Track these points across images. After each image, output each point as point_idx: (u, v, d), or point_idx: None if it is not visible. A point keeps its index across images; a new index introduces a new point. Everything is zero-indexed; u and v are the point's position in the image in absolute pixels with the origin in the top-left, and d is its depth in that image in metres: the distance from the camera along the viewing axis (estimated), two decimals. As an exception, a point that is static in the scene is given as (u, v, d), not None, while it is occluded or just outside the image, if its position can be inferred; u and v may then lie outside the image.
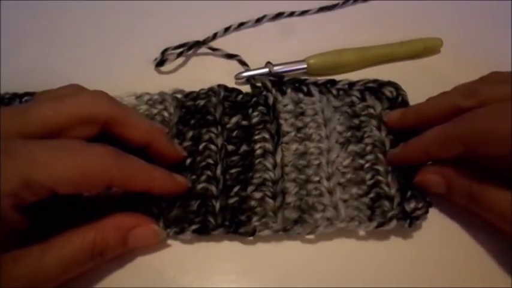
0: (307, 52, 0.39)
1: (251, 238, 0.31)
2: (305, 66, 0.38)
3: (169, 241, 0.31)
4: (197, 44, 0.40)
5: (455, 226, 0.31)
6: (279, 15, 0.43)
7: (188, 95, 0.35)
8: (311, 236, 0.31)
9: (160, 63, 0.39)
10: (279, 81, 0.35)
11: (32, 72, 0.38)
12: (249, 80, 0.37)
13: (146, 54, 0.40)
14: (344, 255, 0.30)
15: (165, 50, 0.39)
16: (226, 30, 0.42)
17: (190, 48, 0.39)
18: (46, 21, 0.45)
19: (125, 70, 0.40)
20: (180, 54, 0.39)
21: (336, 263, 0.30)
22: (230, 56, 0.39)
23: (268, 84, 0.35)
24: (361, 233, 0.31)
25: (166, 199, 0.30)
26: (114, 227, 0.28)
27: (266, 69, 0.37)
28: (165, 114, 0.34)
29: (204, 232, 0.30)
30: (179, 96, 0.35)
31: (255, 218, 0.30)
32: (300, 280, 0.30)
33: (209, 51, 0.40)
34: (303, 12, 0.43)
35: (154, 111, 0.34)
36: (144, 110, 0.34)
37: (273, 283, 0.30)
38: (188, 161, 0.32)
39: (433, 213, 0.31)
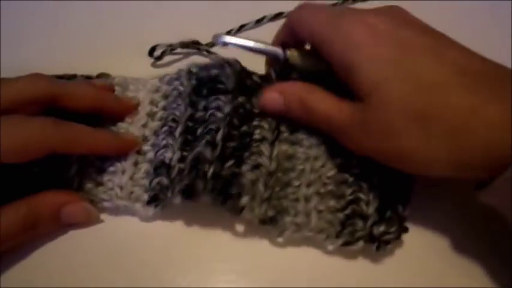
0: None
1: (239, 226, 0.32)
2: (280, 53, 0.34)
3: (170, 241, 0.32)
4: (194, 44, 0.40)
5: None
6: (278, 15, 0.43)
7: (203, 67, 0.35)
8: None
9: (156, 58, 0.39)
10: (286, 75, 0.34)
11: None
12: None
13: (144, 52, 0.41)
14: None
15: (157, 46, 0.40)
16: (228, 33, 0.41)
17: (186, 46, 0.39)
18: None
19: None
20: (172, 50, 0.40)
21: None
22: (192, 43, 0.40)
23: (273, 76, 0.34)
24: (330, 247, 0.30)
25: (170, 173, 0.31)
26: (46, 202, 0.31)
27: (249, 43, 0.34)
28: (180, 88, 0.35)
29: (191, 195, 0.30)
30: (194, 69, 0.35)
31: (245, 197, 0.30)
32: (300, 280, 0.30)
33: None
34: (241, 27, 0.42)
35: (171, 88, 0.35)
36: (164, 90, 0.36)
37: (272, 283, 0.30)
38: (199, 131, 0.32)
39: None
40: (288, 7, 0.42)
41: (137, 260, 0.31)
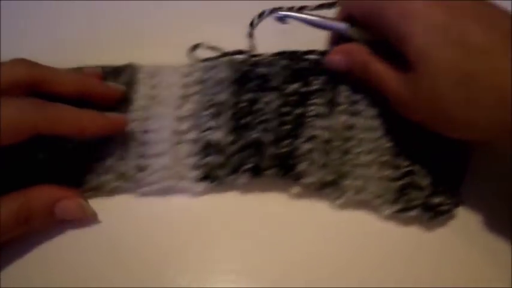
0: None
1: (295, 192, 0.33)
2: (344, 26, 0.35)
3: (170, 241, 0.32)
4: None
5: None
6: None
7: (243, 62, 0.37)
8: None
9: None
10: None
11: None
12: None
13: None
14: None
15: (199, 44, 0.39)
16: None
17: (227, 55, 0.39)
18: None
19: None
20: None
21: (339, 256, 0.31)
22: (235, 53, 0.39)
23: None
24: (386, 212, 0.32)
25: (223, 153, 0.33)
26: (41, 196, 0.31)
27: (309, 17, 0.35)
28: (220, 76, 0.36)
29: (257, 173, 0.32)
30: (233, 62, 0.37)
31: (302, 164, 0.32)
32: (300, 280, 0.31)
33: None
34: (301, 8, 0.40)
35: (209, 75, 0.36)
36: (197, 76, 0.37)
37: (273, 283, 0.30)
38: (244, 120, 0.34)
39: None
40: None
41: (137, 259, 0.31)
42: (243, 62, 0.37)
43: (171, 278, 0.31)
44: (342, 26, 0.34)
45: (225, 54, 0.38)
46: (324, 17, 0.35)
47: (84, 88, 0.34)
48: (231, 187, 0.33)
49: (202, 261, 0.31)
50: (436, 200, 0.31)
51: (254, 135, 0.33)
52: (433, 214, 0.31)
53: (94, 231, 0.32)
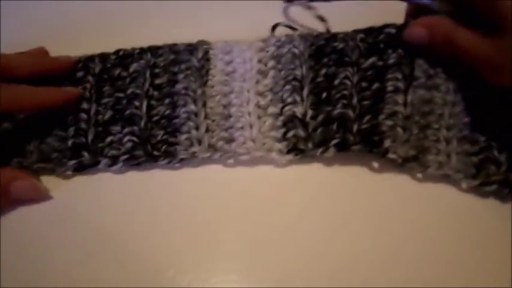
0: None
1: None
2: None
3: (169, 241, 0.32)
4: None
5: None
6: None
7: (317, 36, 0.38)
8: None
9: None
10: None
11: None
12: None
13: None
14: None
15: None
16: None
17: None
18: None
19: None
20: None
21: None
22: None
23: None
24: (466, 185, 0.33)
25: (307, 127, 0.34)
26: None
27: None
28: (295, 50, 0.37)
29: (344, 147, 0.34)
30: (308, 36, 0.38)
31: (387, 141, 0.33)
32: (300, 280, 0.31)
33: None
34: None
35: (284, 50, 0.37)
36: (272, 50, 0.38)
37: (273, 283, 0.31)
38: (324, 94, 0.35)
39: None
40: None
41: (137, 259, 0.32)
42: (317, 36, 0.37)
43: (171, 278, 0.31)
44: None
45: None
46: None
47: (38, 68, 0.37)
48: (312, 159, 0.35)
49: (202, 261, 0.31)
50: None
51: (338, 110, 0.34)
52: (510, 190, 0.32)
53: (95, 230, 0.33)
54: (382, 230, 0.32)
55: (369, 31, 0.37)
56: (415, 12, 0.36)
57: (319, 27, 0.39)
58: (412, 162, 0.33)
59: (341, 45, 0.36)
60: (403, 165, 0.33)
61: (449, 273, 0.30)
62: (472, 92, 0.34)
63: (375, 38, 0.36)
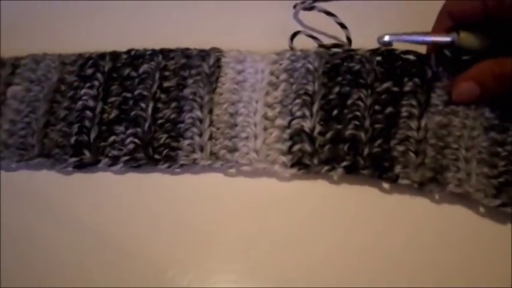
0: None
1: (387, 186, 0.33)
2: (450, 39, 0.35)
3: (170, 241, 0.32)
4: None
5: None
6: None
7: (333, 55, 0.37)
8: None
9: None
10: (451, 57, 0.35)
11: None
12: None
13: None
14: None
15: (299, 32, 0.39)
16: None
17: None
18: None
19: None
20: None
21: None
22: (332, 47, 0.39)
23: (433, 61, 0.35)
24: (481, 209, 0.32)
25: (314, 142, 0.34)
26: None
27: (416, 37, 0.36)
28: (310, 66, 0.36)
29: (353, 170, 0.33)
30: (323, 54, 0.37)
31: (397, 166, 0.33)
32: (300, 280, 0.31)
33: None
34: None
35: (298, 64, 0.37)
36: (286, 64, 0.37)
37: (273, 283, 0.31)
38: (335, 112, 0.35)
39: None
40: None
41: (137, 259, 0.32)
42: (333, 54, 0.37)
43: (171, 278, 0.31)
44: (447, 38, 0.34)
45: (322, 46, 0.38)
46: (426, 33, 0.36)
47: None
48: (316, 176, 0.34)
49: (202, 261, 0.31)
50: None
51: (349, 131, 0.34)
52: None
53: (95, 231, 0.33)
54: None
55: (387, 55, 0.36)
56: (437, 48, 0.36)
57: (337, 33, 0.39)
58: (430, 184, 0.32)
59: (357, 67, 0.36)
60: (420, 188, 0.33)
61: (449, 273, 0.30)
62: (493, 119, 0.33)
63: (392, 63, 0.36)
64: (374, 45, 0.36)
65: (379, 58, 0.36)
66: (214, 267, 0.31)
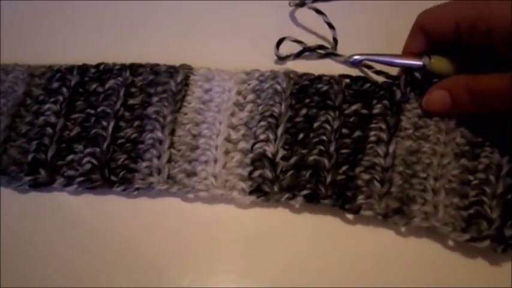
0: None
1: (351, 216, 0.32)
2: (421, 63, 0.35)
3: (170, 241, 0.32)
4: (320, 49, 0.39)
5: None
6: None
7: (302, 76, 0.36)
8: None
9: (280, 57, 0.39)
10: (421, 80, 0.35)
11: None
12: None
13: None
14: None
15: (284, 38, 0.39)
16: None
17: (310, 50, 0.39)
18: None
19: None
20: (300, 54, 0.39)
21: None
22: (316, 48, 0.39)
23: (402, 82, 0.35)
24: (450, 242, 0.31)
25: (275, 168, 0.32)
26: None
27: (386, 58, 0.36)
28: (278, 87, 0.35)
29: (313, 199, 0.32)
30: (292, 75, 0.36)
31: (360, 197, 0.31)
32: (300, 280, 0.30)
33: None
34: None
35: (266, 85, 0.36)
36: (254, 84, 0.36)
37: (273, 283, 0.30)
38: (300, 136, 0.33)
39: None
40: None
41: (137, 259, 0.31)
42: (302, 75, 0.36)
43: (171, 278, 0.31)
44: (418, 62, 0.34)
45: (306, 49, 0.38)
46: (398, 55, 0.35)
47: None
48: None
49: (202, 261, 0.31)
50: (510, 231, 0.30)
51: (313, 156, 0.32)
52: (505, 246, 0.29)
53: (95, 231, 0.32)
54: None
55: (356, 78, 0.35)
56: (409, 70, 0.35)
57: (326, 34, 0.39)
58: (394, 216, 0.31)
59: (325, 88, 0.35)
60: (385, 219, 0.31)
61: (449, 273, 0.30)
62: (464, 145, 0.32)
63: (360, 86, 0.35)
64: (364, 46, 0.36)
65: (347, 80, 0.35)
66: (215, 267, 0.31)
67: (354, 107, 0.34)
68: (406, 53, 0.35)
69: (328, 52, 0.38)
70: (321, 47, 0.38)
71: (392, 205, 0.31)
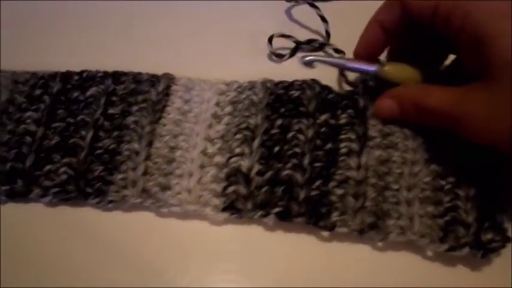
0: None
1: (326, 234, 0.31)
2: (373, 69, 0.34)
3: (170, 241, 0.32)
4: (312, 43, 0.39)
5: None
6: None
7: (278, 84, 0.35)
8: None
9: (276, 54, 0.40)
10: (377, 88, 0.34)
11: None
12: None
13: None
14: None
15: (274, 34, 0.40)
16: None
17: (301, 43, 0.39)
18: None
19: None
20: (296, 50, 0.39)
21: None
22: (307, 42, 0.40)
23: (360, 89, 0.35)
24: (429, 253, 0.30)
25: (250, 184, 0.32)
26: None
27: (339, 60, 0.36)
28: (254, 98, 0.35)
29: (286, 217, 0.31)
30: (268, 84, 0.35)
31: (335, 213, 0.31)
32: (300, 280, 0.30)
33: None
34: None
35: (243, 96, 0.35)
36: (232, 96, 0.36)
37: (273, 283, 0.30)
38: (276, 149, 0.33)
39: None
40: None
41: (137, 259, 0.31)
42: (278, 84, 0.35)
43: (171, 278, 0.30)
44: (370, 68, 0.34)
45: (298, 43, 0.38)
46: (351, 59, 0.35)
47: None
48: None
49: (202, 261, 0.31)
50: (488, 236, 0.29)
51: (286, 171, 0.32)
52: (484, 252, 0.29)
53: (95, 231, 0.32)
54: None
55: (323, 87, 0.35)
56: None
57: (320, 29, 0.39)
58: (370, 231, 0.30)
59: (297, 94, 0.34)
60: (361, 235, 0.30)
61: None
62: (433, 149, 0.32)
63: (326, 95, 0.34)
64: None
65: (318, 87, 0.35)
66: (214, 267, 0.31)
67: (323, 117, 0.33)
68: (359, 56, 0.35)
69: (321, 43, 0.39)
70: (311, 40, 0.38)
71: (367, 220, 0.30)
